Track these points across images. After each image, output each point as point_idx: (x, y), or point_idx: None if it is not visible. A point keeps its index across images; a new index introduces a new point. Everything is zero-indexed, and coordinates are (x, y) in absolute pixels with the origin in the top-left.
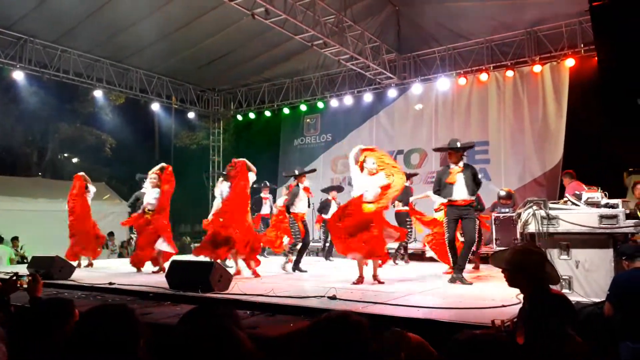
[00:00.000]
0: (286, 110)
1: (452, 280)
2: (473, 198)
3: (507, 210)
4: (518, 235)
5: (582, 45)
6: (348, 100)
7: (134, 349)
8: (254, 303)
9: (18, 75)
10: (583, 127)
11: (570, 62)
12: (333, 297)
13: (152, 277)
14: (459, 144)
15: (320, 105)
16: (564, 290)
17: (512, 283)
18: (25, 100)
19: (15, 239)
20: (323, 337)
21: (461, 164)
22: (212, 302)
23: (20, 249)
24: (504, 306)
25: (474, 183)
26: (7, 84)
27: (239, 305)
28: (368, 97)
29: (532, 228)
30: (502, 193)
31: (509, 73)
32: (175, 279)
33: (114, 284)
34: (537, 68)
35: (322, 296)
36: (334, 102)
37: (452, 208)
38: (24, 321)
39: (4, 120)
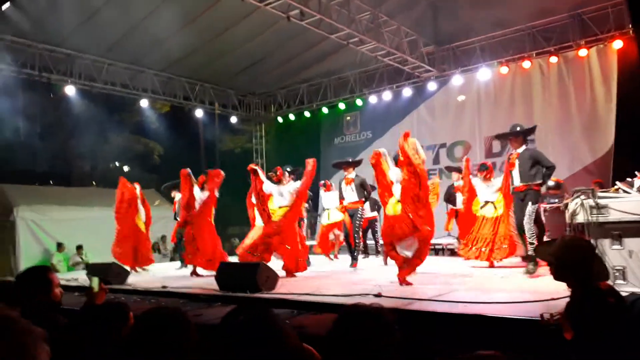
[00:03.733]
0: (325, 110)
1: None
2: (530, 183)
3: (556, 200)
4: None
5: (630, 26)
6: (387, 95)
7: (186, 350)
8: (301, 302)
9: (70, 90)
10: (635, 110)
11: (618, 44)
12: (378, 295)
13: (203, 280)
14: (518, 128)
15: (359, 102)
16: (618, 282)
17: (557, 277)
18: (77, 113)
19: (79, 247)
20: (346, 331)
21: (521, 149)
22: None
23: (85, 256)
24: (553, 299)
25: (533, 168)
26: (59, 99)
27: (285, 304)
28: (407, 92)
29: (580, 218)
30: (551, 183)
31: (553, 59)
32: (225, 280)
33: (167, 287)
34: (582, 52)
35: (367, 294)
36: (372, 99)
37: (514, 194)
38: (82, 325)
39: (58, 133)
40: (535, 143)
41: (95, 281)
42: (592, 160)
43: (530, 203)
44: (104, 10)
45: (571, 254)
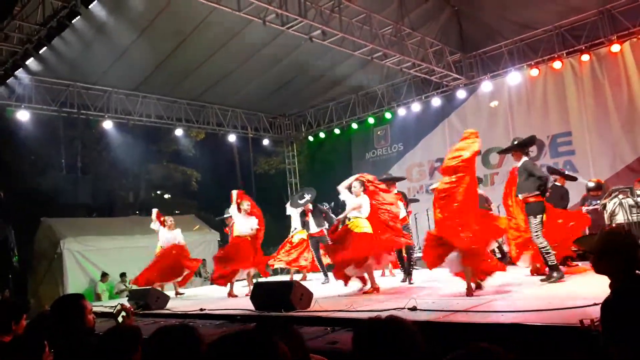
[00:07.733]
0: (355, 126)
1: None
2: (524, 195)
3: (597, 202)
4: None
5: None
6: (416, 107)
7: None
8: (335, 319)
9: (107, 125)
10: None
11: None
12: (413, 309)
13: (239, 301)
14: (516, 142)
15: (388, 116)
16: None
17: (598, 268)
18: (116, 146)
19: (123, 275)
20: (366, 346)
21: (520, 162)
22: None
23: (128, 284)
24: (596, 304)
25: (529, 180)
26: (98, 134)
27: (320, 322)
28: (436, 102)
29: (620, 218)
30: (591, 184)
31: (585, 57)
32: (260, 300)
33: (204, 309)
34: (615, 48)
35: (402, 308)
36: (401, 111)
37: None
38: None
39: (99, 166)
40: (572, 145)
41: (119, 306)
42: (635, 158)
43: (531, 217)
44: (132, 48)
45: (611, 241)
